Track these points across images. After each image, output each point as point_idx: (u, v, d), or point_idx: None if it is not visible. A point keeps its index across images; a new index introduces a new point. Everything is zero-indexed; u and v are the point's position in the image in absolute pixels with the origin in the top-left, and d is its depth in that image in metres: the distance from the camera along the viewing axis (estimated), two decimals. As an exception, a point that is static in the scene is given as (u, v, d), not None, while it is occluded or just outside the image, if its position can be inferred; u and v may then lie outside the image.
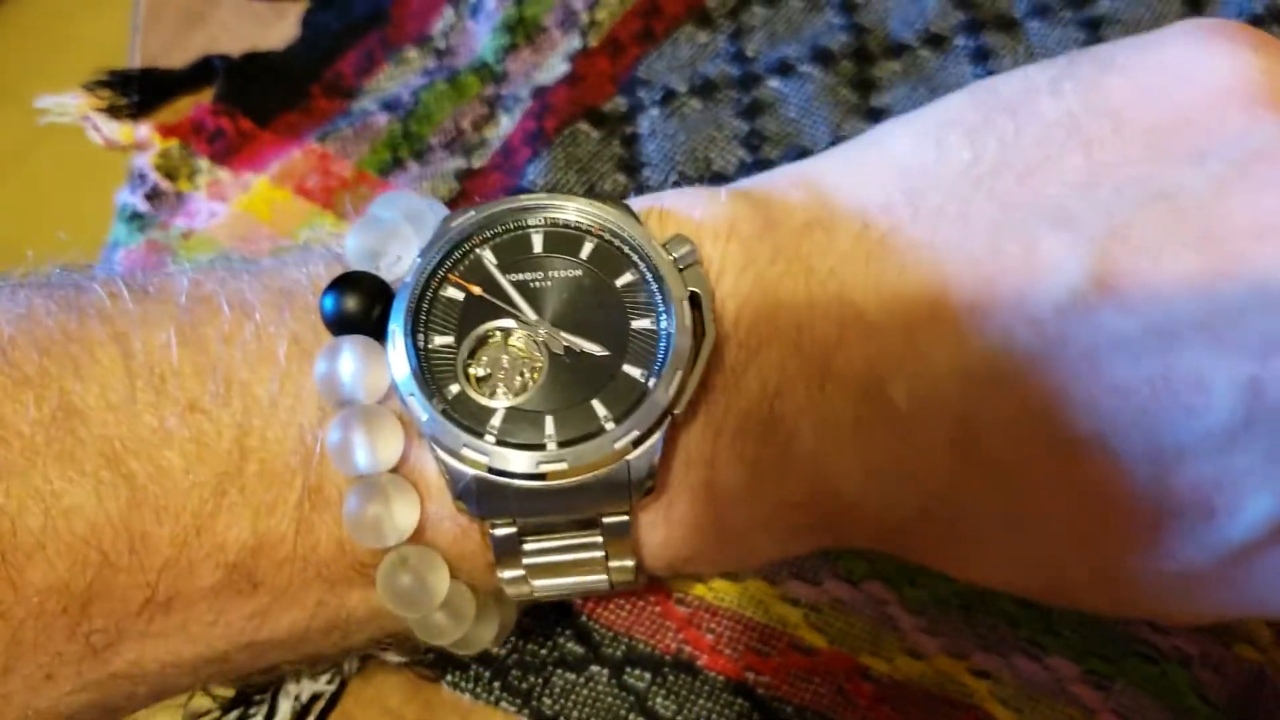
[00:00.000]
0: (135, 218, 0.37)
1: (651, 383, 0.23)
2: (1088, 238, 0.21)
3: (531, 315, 0.24)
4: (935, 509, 0.23)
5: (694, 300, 0.23)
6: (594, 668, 0.29)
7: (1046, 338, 0.21)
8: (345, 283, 0.23)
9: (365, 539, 0.23)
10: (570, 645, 0.29)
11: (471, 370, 0.23)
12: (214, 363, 0.23)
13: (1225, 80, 0.22)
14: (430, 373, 0.23)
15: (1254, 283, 0.20)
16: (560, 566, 0.24)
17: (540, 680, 0.29)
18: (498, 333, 0.24)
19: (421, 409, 0.22)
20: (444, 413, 0.22)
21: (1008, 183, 0.22)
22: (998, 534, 0.24)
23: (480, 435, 0.22)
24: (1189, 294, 0.20)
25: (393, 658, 0.29)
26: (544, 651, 0.29)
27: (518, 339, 0.24)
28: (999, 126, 0.23)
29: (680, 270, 0.23)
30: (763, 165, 0.36)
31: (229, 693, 0.29)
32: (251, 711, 0.29)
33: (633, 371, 0.23)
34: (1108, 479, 0.21)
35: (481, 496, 0.23)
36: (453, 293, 0.24)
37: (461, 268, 0.24)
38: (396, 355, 0.23)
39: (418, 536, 0.23)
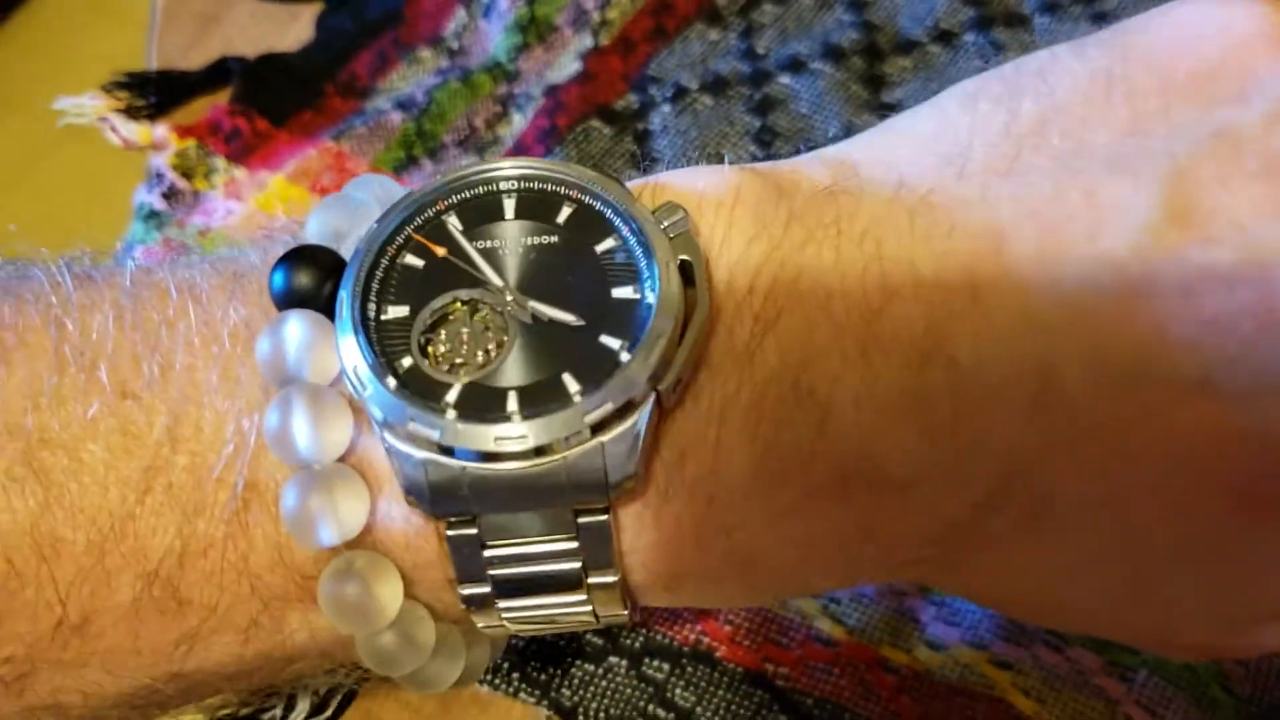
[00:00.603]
0: (152, 216, 0.37)
1: (628, 354, 0.20)
2: (1151, 177, 0.20)
3: (497, 281, 0.21)
4: (1012, 490, 0.21)
5: (687, 271, 0.21)
6: (612, 659, 0.29)
7: (1130, 279, 0.20)
8: (297, 257, 0.21)
9: (304, 538, 0.20)
10: (589, 636, 0.29)
11: (429, 346, 0.21)
12: (153, 347, 0.21)
13: (1244, 30, 0.21)
14: (381, 345, 0.20)
15: None
16: (533, 583, 0.21)
17: (559, 671, 0.29)
18: (459, 304, 0.21)
19: (367, 382, 0.20)
20: (393, 388, 0.20)
21: (1052, 137, 0.21)
22: (1087, 522, 0.21)
23: (432, 411, 0.19)
24: (1268, 219, 0.19)
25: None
26: (562, 643, 0.29)
27: (482, 310, 0.21)
28: (1030, 87, 0.22)
29: (670, 238, 0.21)
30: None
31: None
32: (270, 703, 0.29)
33: (610, 342, 0.20)
34: (1215, 425, 0.19)
35: (434, 487, 0.20)
36: (411, 260, 0.21)
37: (422, 233, 0.22)
38: (343, 326, 0.20)
39: (365, 539, 0.21)
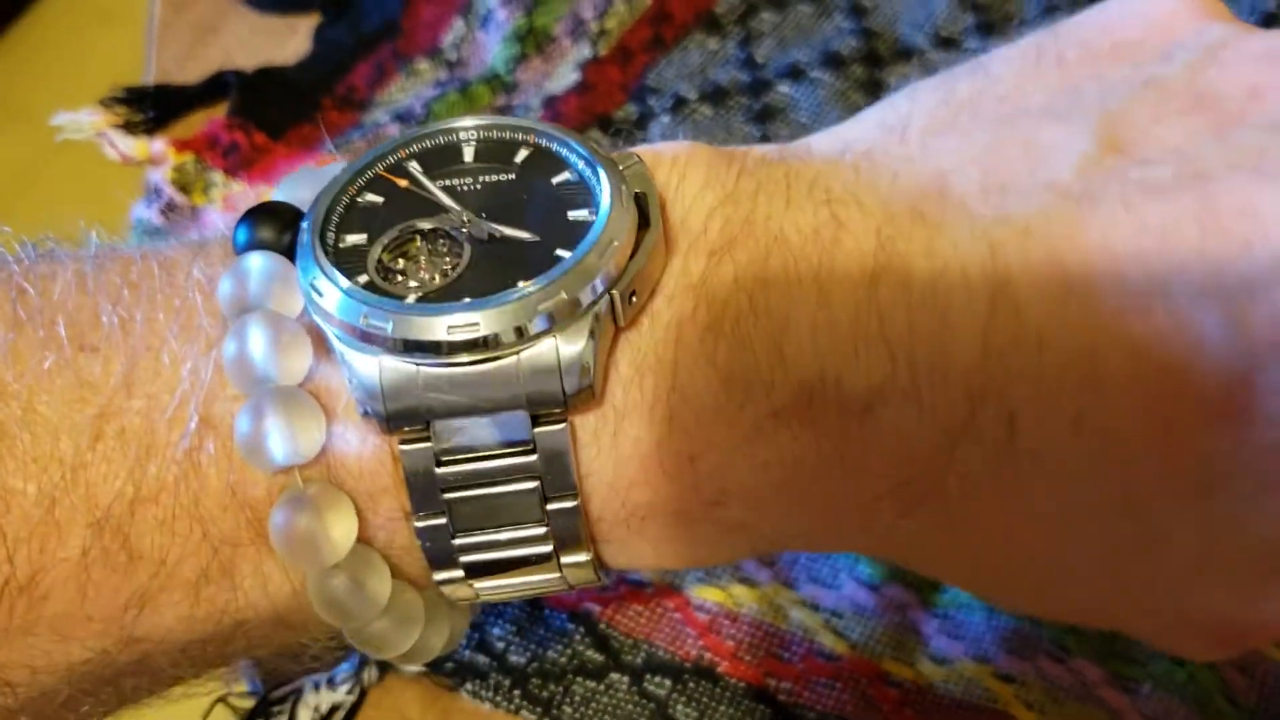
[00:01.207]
0: (151, 232, 0.37)
1: (579, 253, 0.20)
2: (1086, 122, 0.21)
3: (456, 207, 0.22)
4: (977, 417, 0.20)
5: (642, 205, 0.21)
6: (614, 675, 0.29)
7: (1072, 196, 0.20)
8: (259, 211, 0.22)
9: (257, 458, 0.20)
10: (590, 653, 0.29)
11: (388, 268, 0.21)
12: (114, 304, 0.21)
13: (1166, 8, 0.23)
14: (337, 266, 0.21)
15: (1268, 124, 0.20)
16: (490, 508, 0.21)
17: (560, 688, 0.29)
18: (417, 233, 0.21)
19: (323, 289, 0.20)
20: (347, 288, 0.20)
21: (988, 104, 0.23)
22: (1062, 451, 0.20)
23: (386, 307, 0.20)
24: (1206, 141, 0.20)
25: (410, 667, 0.29)
26: (564, 659, 0.29)
27: (440, 237, 0.21)
28: (966, 73, 0.24)
29: (625, 176, 0.22)
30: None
31: (248, 704, 0.29)
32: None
33: (564, 253, 0.21)
34: (1174, 335, 0.19)
35: (388, 391, 0.20)
36: (371, 198, 0.22)
37: (384, 169, 0.22)
38: (303, 252, 0.21)
39: (318, 471, 0.21)
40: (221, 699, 0.29)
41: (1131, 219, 0.20)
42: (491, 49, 0.40)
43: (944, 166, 0.22)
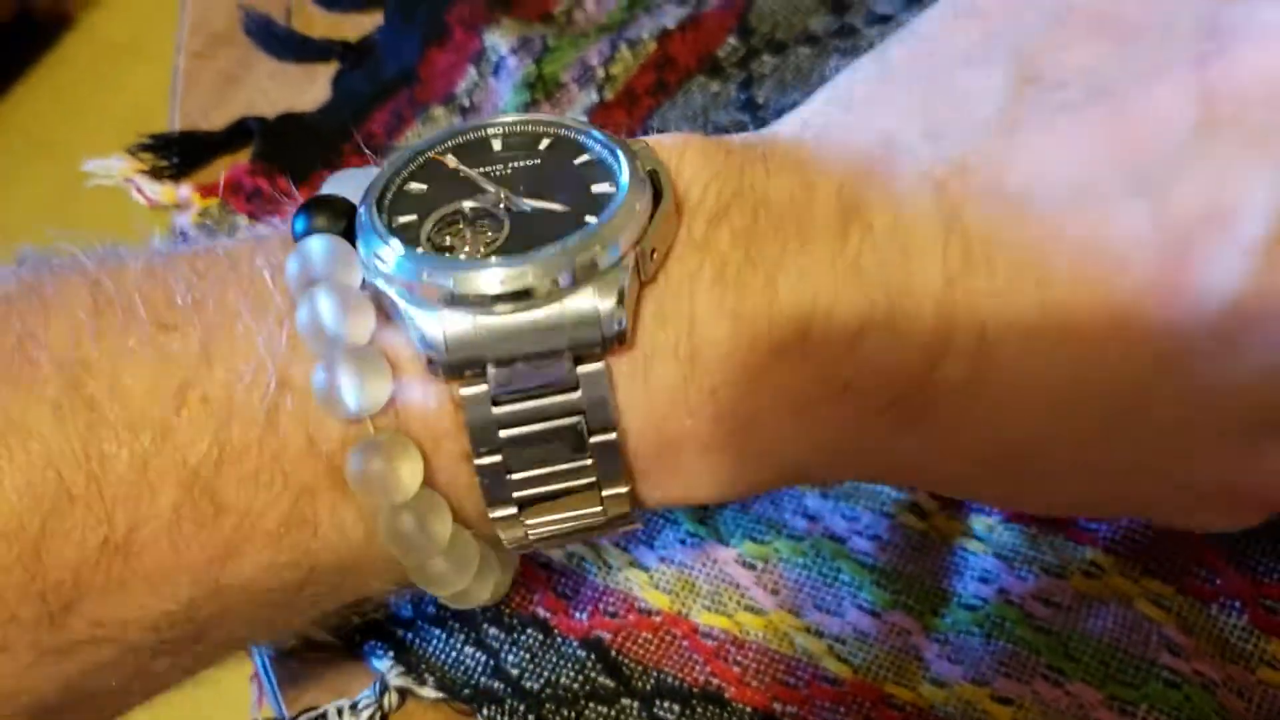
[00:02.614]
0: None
1: (606, 216, 0.23)
2: (1002, 62, 0.24)
3: (493, 189, 0.24)
4: (952, 337, 0.23)
5: (655, 181, 0.24)
6: (625, 700, 0.30)
7: (997, 128, 0.23)
8: (315, 203, 0.24)
9: (333, 408, 0.22)
10: (601, 679, 0.30)
11: (436, 243, 0.24)
12: (186, 287, 0.23)
13: None
14: (393, 238, 0.23)
15: (1162, 32, 0.23)
16: (540, 443, 0.23)
17: (573, 714, 0.30)
18: (460, 214, 0.24)
19: (384, 255, 0.23)
20: (405, 252, 0.23)
21: (920, 63, 0.26)
22: (1038, 357, 0.23)
23: (443, 266, 0.23)
24: (1110, 58, 0.23)
25: (429, 693, 0.30)
26: (576, 685, 0.30)
27: (480, 216, 0.24)
28: (896, 42, 0.27)
29: (635, 152, 0.25)
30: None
31: (273, 730, 0.30)
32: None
33: (592, 219, 0.23)
34: (1107, 231, 0.22)
35: (449, 342, 0.22)
36: (416, 186, 0.25)
37: (425, 159, 0.25)
38: (363, 229, 0.23)
39: (387, 420, 0.23)
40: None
41: (1052, 139, 0.23)
42: (503, 95, 0.41)
43: (888, 125, 0.24)
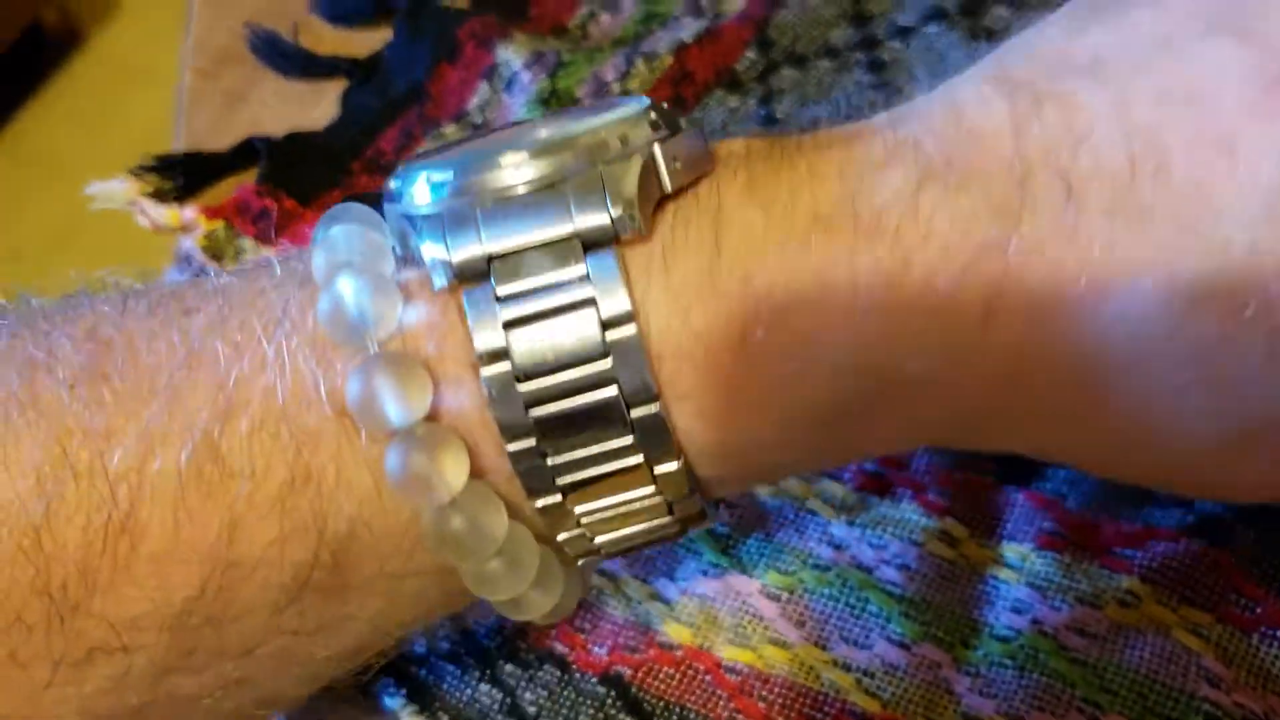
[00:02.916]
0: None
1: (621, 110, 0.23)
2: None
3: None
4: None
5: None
6: (647, 738, 0.29)
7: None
8: (339, 211, 0.23)
9: (338, 333, 0.22)
10: (622, 716, 0.29)
11: None
12: (211, 289, 0.24)
13: None
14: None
15: None
16: (545, 317, 0.22)
17: (593, 751, 0.29)
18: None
19: (393, 194, 0.23)
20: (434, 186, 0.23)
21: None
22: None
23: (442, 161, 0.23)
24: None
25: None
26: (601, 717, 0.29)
27: None
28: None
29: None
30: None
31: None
32: None
33: (603, 116, 0.23)
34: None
35: (450, 214, 0.22)
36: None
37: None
38: (385, 207, 0.23)
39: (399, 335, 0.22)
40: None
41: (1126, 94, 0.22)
42: (516, 111, 0.41)
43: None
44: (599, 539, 0.24)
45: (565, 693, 0.30)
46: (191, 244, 0.38)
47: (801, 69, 0.41)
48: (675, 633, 0.30)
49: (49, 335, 0.23)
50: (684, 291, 0.22)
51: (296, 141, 0.40)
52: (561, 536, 0.23)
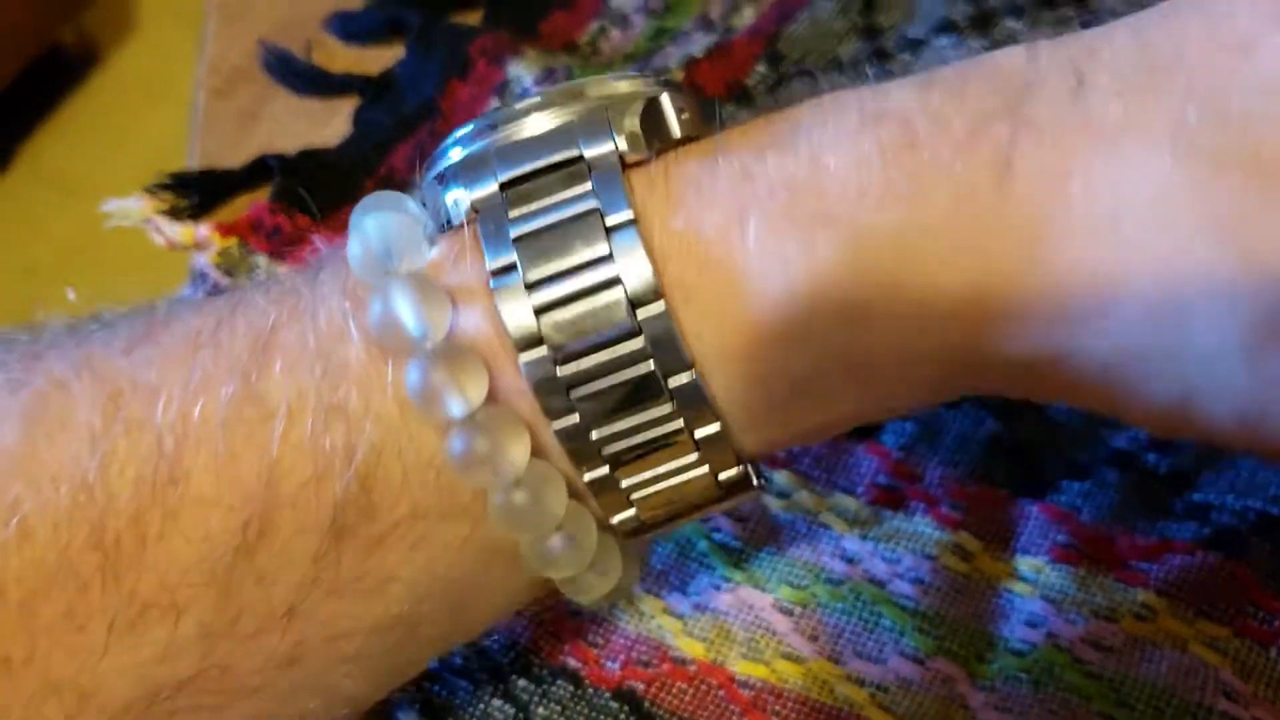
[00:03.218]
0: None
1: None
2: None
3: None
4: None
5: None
6: (664, 755, 0.29)
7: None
8: (374, 203, 0.24)
9: (366, 271, 0.23)
10: (639, 737, 0.29)
11: None
12: (259, 293, 0.24)
13: None
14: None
15: None
16: (555, 231, 0.22)
17: (609, 769, 0.29)
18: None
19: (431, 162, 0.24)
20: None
21: None
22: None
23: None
24: None
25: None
26: (614, 737, 0.29)
27: None
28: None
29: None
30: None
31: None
32: None
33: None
34: None
35: (466, 160, 0.23)
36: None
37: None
38: (424, 194, 0.25)
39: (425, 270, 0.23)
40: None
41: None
42: (527, 127, 0.41)
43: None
44: (639, 506, 0.24)
45: (578, 708, 0.30)
46: (206, 261, 0.38)
47: (812, 83, 0.41)
48: (688, 647, 0.30)
49: (101, 317, 0.25)
50: (688, 199, 0.22)
51: (310, 159, 0.40)
52: (615, 519, 0.24)
